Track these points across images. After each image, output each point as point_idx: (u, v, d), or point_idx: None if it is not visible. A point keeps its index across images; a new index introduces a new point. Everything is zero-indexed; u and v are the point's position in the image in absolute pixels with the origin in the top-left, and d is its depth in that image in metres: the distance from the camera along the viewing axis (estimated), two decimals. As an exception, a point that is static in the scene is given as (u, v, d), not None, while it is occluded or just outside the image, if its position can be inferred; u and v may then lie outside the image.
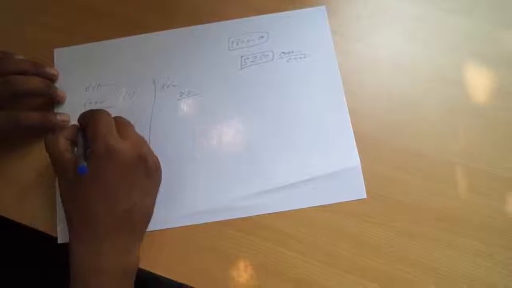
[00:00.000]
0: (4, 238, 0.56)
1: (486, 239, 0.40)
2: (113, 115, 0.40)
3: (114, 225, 0.37)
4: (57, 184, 0.43)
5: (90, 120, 0.39)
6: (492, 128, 0.43)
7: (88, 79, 0.47)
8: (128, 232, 0.38)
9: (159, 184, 0.41)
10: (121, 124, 0.40)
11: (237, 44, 0.47)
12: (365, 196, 0.42)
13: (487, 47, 0.46)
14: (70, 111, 0.45)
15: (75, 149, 0.40)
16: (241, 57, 0.46)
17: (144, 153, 0.39)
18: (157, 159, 0.41)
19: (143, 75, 0.46)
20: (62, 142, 0.39)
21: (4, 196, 0.43)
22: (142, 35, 0.48)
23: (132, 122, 0.41)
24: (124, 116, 0.44)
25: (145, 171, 0.39)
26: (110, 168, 0.37)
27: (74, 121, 0.45)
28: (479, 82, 0.45)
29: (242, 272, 0.40)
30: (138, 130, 0.41)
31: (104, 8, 0.50)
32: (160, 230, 0.41)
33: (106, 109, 0.45)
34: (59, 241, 0.41)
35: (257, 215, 0.42)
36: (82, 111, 0.45)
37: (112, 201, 0.37)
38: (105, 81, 0.46)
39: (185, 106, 0.45)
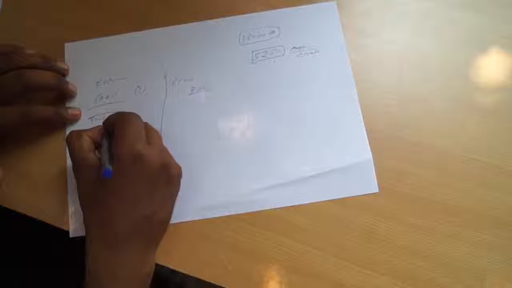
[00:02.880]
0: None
1: (499, 234, 0.40)
2: (124, 110, 0.39)
3: (132, 231, 0.37)
4: (69, 178, 0.43)
5: (119, 122, 0.38)
6: (503, 122, 0.43)
7: (99, 73, 0.46)
8: (145, 239, 0.38)
9: (178, 192, 0.41)
10: (149, 130, 0.39)
11: (248, 38, 0.47)
12: (377, 190, 0.42)
13: (496, 42, 0.46)
14: (82, 106, 0.45)
15: (96, 151, 0.39)
16: (252, 51, 0.46)
17: (168, 161, 0.38)
18: (180, 168, 0.40)
19: (155, 70, 0.46)
20: (86, 141, 0.38)
21: (15, 190, 0.43)
22: (153, 30, 0.48)
23: (143, 116, 0.41)
24: (135, 110, 0.44)
25: (167, 179, 0.38)
26: (133, 173, 0.36)
27: (84, 115, 0.45)
28: (489, 76, 0.45)
29: (255, 266, 0.40)
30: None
31: (110, 2, 0.49)
32: (173, 224, 0.41)
33: (117, 104, 0.46)
34: (71, 235, 0.41)
35: (269, 209, 0.42)
36: (93, 105, 0.46)
37: (132, 207, 0.37)
38: (116, 75, 0.46)
39: (197, 101, 0.45)
